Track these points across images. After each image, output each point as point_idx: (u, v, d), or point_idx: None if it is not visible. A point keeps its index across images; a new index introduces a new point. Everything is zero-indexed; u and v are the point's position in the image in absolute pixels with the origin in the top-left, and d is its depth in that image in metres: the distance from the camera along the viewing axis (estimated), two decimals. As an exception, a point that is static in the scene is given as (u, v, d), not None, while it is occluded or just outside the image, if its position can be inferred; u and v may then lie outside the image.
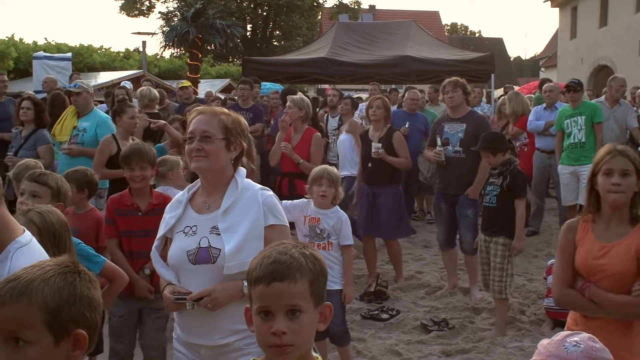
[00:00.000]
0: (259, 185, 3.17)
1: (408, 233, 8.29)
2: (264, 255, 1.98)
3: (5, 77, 9.62)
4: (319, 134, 7.49)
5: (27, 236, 2.30)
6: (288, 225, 3.16)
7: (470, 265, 7.29)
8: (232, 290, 2.94)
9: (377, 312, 6.76)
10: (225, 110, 3.16)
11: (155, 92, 9.65)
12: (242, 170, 3.16)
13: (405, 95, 10.81)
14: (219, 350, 3.00)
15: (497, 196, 6.11)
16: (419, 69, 14.64)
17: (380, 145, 7.37)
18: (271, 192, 3.14)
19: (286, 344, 1.89)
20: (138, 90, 9.99)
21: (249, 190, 3.08)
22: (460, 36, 68.83)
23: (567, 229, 3.49)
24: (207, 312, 2.94)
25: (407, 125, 9.39)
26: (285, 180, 7.21)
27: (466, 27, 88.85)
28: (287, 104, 7.36)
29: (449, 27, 76.43)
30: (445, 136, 7.19)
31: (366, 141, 7.62)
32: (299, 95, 7.57)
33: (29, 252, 2.21)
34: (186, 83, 12.69)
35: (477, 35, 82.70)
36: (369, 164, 7.54)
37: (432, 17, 48.66)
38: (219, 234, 2.98)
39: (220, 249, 2.95)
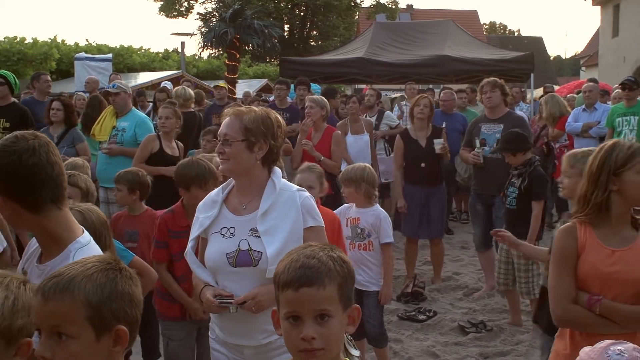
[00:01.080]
0: (296, 186, 3.17)
1: (445, 233, 8.26)
2: (291, 259, 1.96)
3: (49, 78, 9.79)
4: (339, 132, 7.57)
5: (86, 236, 2.38)
6: (324, 226, 3.16)
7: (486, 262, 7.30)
8: (274, 292, 2.94)
9: (414, 313, 6.73)
10: (254, 109, 3.12)
11: (190, 91, 9.73)
12: (278, 171, 3.16)
13: (441, 95, 10.76)
14: (261, 349, 3.02)
15: (517, 198, 6.08)
16: (457, 69, 14.51)
17: (442, 140, 7.37)
18: (308, 194, 3.14)
19: (316, 348, 1.88)
20: (173, 90, 10.09)
21: (286, 192, 3.07)
22: (498, 35, 68.14)
23: (564, 234, 3.04)
24: (248, 313, 2.95)
25: (443, 125, 9.32)
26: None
27: (505, 26, 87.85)
28: (308, 104, 7.42)
29: (487, 26, 75.64)
30: (482, 137, 7.14)
31: (410, 141, 7.56)
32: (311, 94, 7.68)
33: (89, 252, 2.27)
34: (222, 83, 12.77)
35: (516, 34, 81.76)
36: (422, 164, 7.46)
37: (470, 16, 48.18)
38: (259, 237, 2.97)
39: (261, 252, 2.95)
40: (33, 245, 2.52)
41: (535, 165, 6.08)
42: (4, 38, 20.66)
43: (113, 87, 7.95)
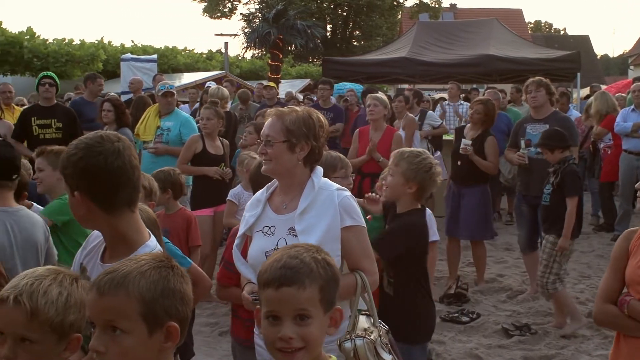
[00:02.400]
0: (337, 185, 3.15)
1: (492, 235, 8.12)
2: (275, 259, 1.99)
3: (102, 81, 9.97)
4: (399, 133, 7.50)
5: (153, 240, 2.43)
6: (365, 226, 3.14)
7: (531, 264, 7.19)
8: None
9: (457, 314, 6.68)
10: (296, 109, 3.14)
11: (225, 91, 9.80)
12: (319, 170, 3.16)
13: (485, 95, 10.64)
14: None
15: (551, 194, 6.12)
16: (501, 68, 14.37)
17: (470, 142, 7.30)
18: (348, 193, 3.12)
19: (294, 347, 1.91)
20: (210, 89, 10.18)
21: (325, 191, 3.07)
22: (544, 34, 67.26)
23: (622, 237, 3.01)
24: None
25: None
26: (367, 180, 7.19)
27: (550, 25, 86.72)
28: (371, 102, 7.37)
29: (532, 25, 74.68)
30: (528, 137, 7.04)
31: (458, 138, 7.56)
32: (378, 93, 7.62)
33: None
34: (272, 84, 12.85)
35: (561, 32, 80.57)
36: (458, 162, 7.44)
37: (514, 15, 47.60)
38: (296, 236, 2.99)
39: None
40: (92, 241, 2.58)
41: (569, 163, 6.06)
42: (53, 40, 21.08)
43: (170, 87, 8.07)
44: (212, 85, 12.50)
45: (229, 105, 9.84)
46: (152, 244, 2.40)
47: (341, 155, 4.38)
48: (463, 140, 7.35)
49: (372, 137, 7.28)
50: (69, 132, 7.99)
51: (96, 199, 2.30)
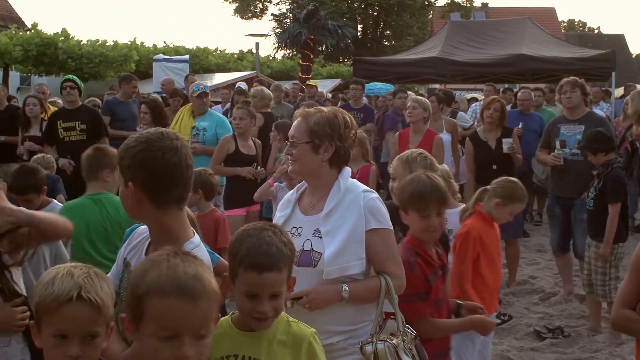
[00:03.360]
0: (364, 187, 3.13)
1: (520, 234, 8.02)
2: (252, 242, 2.26)
3: (137, 83, 10.09)
4: (440, 136, 7.42)
5: (197, 237, 2.47)
6: (392, 229, 3.11)
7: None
8: (331, 293, 2.95)
9: (487, 316, 6.62)
10: (323, 109, 3.13)
11: (268, 92, 9.83)
12: (347, 171, 3.14)
13: (519, 95, 10.53)
14: (324, 349, 3.02)
15: (594, 199, 6.05)
16: (534, 68, 14.21)
17: (511, 140, 7.24)
18: (375, 195, 3.10)
19: (268, 317, 2.25)
20: (251, 90, 10.22)
21: (352, 193, 3.05)
22: (577, 33, 66.37)
23: None
24: (310, 313, 2.95)
25: (520, 126, 9.14)
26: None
27: (584, 24, 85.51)
28: (410, 104, 7.32)
29: (565, 24, 73.75)
30: (562, 138, 6.95)
31: (479, 143, 7.45)
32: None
33: (201, 253, 2.35)
34: (313, 82, 12.85)
35: (596, 31, 79.40)
36: (494, 166, 7.25)
37: (547, 14, 47.04)
38: (321, 237, 2.99)
39: (321, 253, 2.97)
40: (137, 237, 2.62)
41: (613, 167, 5.95)
42: (87, 41, 21.34)
43: (205, 88, 8.14)
44: (243, 85, 12.56)
45: (271, 105, 9.84)
46: (196, 241, 2.44)
47: None
48: (504, 140, 7.28)
49: (412, 141, 7.18)
50: (93, 133, 8.10)
51: (148, 192, 2.35)
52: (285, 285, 2.31)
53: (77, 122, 8.14)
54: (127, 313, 1.89)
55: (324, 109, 3.15)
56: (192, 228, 2.52)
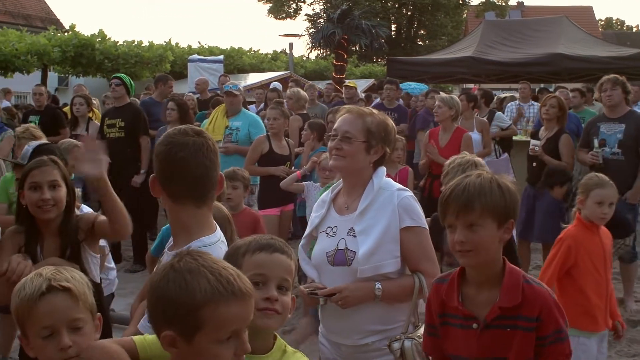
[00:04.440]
0: (398, 186, 3.12)
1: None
2: (253, 238, 2.18)
3: (172, 83, 10.17)
4: (469, 133, 7.37)
5: (213, 237, 2.45)
6: (427, 227, 3.09)
7: (626, 275, 6.91)
8: (364, 291, 2.94)
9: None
10: (375, 112, 3.12)
11: (304, 93, 9.85)
12: (382, 170, 3.13)
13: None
14: (358, 350, 3.04)
15: None
16: (570, 67, 14.02)
17: (539, 142, 7.14)
18: (409, 193, 3.08)
19: (276, 309, 2.08)
20: (288, 91, 10.23)
21: (386, 191, 3.04)
22: (615, 31, 65.34)
23: None
24: (345, 311, 2.97)
25: (557, 126, 9.03)
26: (437, 183, 7.10)
27: (622, 22, 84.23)
28: (436, 103, 7.30)
29: (603, 22, 72.77)
30: (602, 137, 6.84)
31: (535, 139, 7.40)
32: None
33: (212, 251, 2.27)
34: (352, 83, 12.83)
35: (634, 30, 78.13)
36: (534, 164, 7.25)
37: (584, 12, 46.44)
38: (356, 236, 2.98)
39: (355, 252, 2.96)
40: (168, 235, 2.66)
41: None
42: (123, 42, 21.61)
43: (234, 88, 8.17)
44: (277, 85, 12.59)
45: (306, 106, 9.85)
46: (208, 240, 2.41)
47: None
48: (531, 140, 7.19)
49: (441, 139, 7.18)
50: (132, 131, 8.17)
51: (162, 183, 2.42)
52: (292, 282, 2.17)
53: (118, 120, 8.25)
54: (174, 329, 1.76)
55: (374, 111, 3.15)
56: (215, 226, 2.51)
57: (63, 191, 3.14)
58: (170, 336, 1.75)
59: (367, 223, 2.98)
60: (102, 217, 3.30)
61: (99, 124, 8.90)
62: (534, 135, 7.51)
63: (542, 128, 7.44)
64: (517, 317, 2.35)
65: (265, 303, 2.05)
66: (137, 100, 11.73)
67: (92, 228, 3.26)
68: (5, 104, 14.13)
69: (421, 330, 2.89)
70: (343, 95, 12.07)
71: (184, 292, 1.72)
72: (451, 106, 7.18)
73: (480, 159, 4.26)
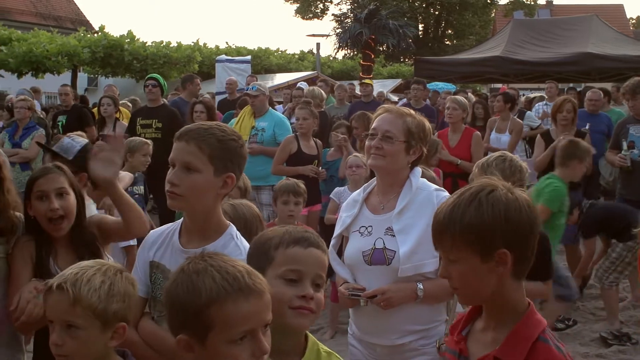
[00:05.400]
0: (435, 186, 3.14)
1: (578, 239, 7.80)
2: (286, 230, 2.06)
3: (199, 81, 10.23)
4: (478, 133, 7.46)
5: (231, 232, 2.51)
6: None
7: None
8: (406, 291, 2.95)
9: (552, 321, 6.49)
10: (413, 112, 3.14)
11: (321, 91, 9.85)
12: (418, 170, 3.15)
13: (587, 95, 10.25)
14: (395, 350, 3.03)
15: None
16: (600, 67, 13.89)
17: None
18: (447, 194, 3.08)
19: (312, 309, 1.98)
20: (305, 90, 10.25)
21: (423, 191, 3.06)
22: (647, 30, 64.37)
23: None
24: (382, 312, 2.96)
25: (587, 127, 8.91)
26: (448, 180, 7.09)
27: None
28: (449, 104, 7.33)
29: (634, 21, 71.67)
30: (631, 139, 6.77)
31: (548, 143, 7.32)
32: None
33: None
34: (368, 81, 12.84)
35: (666, 28, 76.93)
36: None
37: (615, 11, 45.80)
38: (394, 236, 2.98)
39: (395, 251, 2.96)
40: (155, 238, 2.62)
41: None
42: (152, 43, 21.82)
43: (253, 89, 8.18)
44: (304, 85, 12.61)
45: (324, 105, 9.87)
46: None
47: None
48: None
49: (451, 139, 7.25)
50: (169, 132, 8.19)
51: None
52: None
53: (154, 120, 8.29)
54: (187, 332, 1.75)
55: (412, 111, 3.17)
56: (228, 225, 2.55)
57: (72, 199, 3.00)
58: (184, 340, 1.74)
59: (406, 222, 2.99)
60: (109, 219, 3.27)
61: (126, 124, 8.97)
62: (546, 135, 7.40)
63: (554, 130, 7.35)
64: None
65: (300, 301, 1.96)
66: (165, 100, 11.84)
67: (101, 231, 3.16)
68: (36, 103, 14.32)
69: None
70: (360, 94, 12.04)
71: (190, 293, 1.72)
72: (464, 108, 7.30)
73: (516, 157, 4.16)
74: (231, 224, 2.53)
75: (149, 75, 8.90)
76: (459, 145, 7.16)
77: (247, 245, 2.38)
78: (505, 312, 1.93)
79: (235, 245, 2.43)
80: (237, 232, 2.52)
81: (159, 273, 2.54)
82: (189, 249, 2.42)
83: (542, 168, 7.34)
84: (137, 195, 6.31)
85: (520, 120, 9.52)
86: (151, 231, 2.69)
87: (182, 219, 2.57)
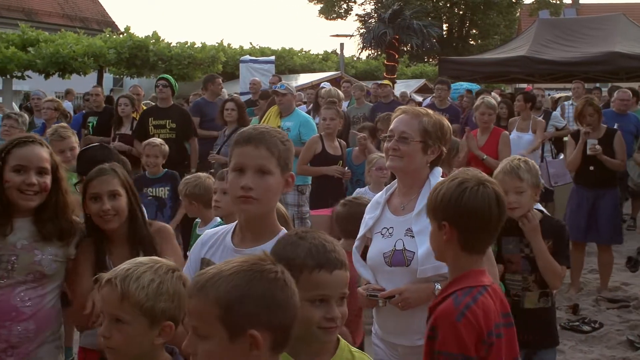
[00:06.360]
0: None
1: (621, 240, 7.72)
2: (311, 244, 2.09)
3: (221, 80, 10.28)
4: (506, 132, 7.54)
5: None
6: None
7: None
8: (424, 292, 2.95)
9: (577, 323, 6.42)
10: (430, 112, 3.14)
11: (335, 91, 9.85)
12: (438, 171, 3.14)
13: (614, 95, 10.13)
14: (416, 350, 3.00)
15: None
16: (628, 66, 13.70)
17: (596, 142, 7.02)
18: None
19: (338, 325, 2.06)
20: (323, 91, 10.24)
21: None
22: (675, 29, 63.47)
23: None
24: (403, 312, 2.97)
25: (615, 127, 8.82)
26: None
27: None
28: (485, 110, 7.33)
29: (662, 20, 70.80)
30: (660, 139, 6.68)
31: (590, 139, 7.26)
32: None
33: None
34: (386, 82, 12.82)
35: (695, 27, 75.80)
36: (591, 167, 7.13)
37: (643, 10, 45.27)
38: (413, 237, 2.98)
39: (414, 252, 2.97)
40: (209, 238, 2.65)
41: None
42: (176, 43, 21.96)
43: (282, 87, 8.19)
44: (327, 85, 12.62)
45: (344, 106, 9.87)
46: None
47: None
48: (589, 141, 7.04)
49: (480, 140, 7.29)
50: (183, 132, 8.27)
51: None
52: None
53: (167, 121, 8.33)
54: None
55: (430, 110, 3.17)
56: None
57: (123, 200, 3.08)
58: (255, 336, 1.75)
59: (425, 223, 2.93)
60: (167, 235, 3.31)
61: None
62: (575, 135, 7.34)
63: (583, 130, 7.27)
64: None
65: (328, 322, 2.04)
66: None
67: (160, 236, 3.25)
68: (67, 104, 14.47)
69: None
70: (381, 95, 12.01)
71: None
72: (496, 111, 7.46)
73: (528, 159, 4.14)
74: (282, 227, 2.52)
75: (159, 76, 8.96)
76: (486, 144, 7.21)
77: None
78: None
79: None
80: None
81: None
82: (242, 248, 2.45)
83: (575, 168, 7.30)
84: (150, 198, 6.23)
85: (542, 119, 9.44)
86: (206, 231, 2.73)
87: (236, 221, 2.58)
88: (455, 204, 2.34)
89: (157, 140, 6.61)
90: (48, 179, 3.00)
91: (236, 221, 2.58)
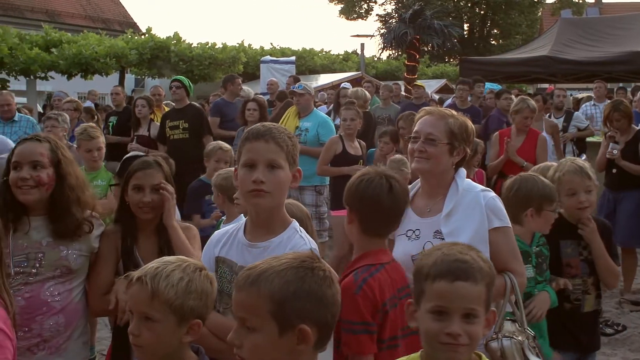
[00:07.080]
0: (480, 187, 3.11)
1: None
2: (443, 253, 2.02)
3: (240, 81, 10.32)
4: (544, 135, 7.26)
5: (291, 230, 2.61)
6: (511, 226, 3.07)
7: None
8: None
9: (600, 325, 6.34)
10: (454, 113, 3.12)
11: (366, 93, 9.82)
12: (462, 171, 3.12)
13: (638, 95, 10.04)
14: None
15: None
16: (651, 66, 13.55)
17: (617, 146, 6.94)
18: (493, 194, 3.07)
19: (461, 344, 1.92)
20: (349, 91, 10.23)
21: (470, 193, 3.03)
22: (700, 28, 62.69)
23: None
24: None
25: (638, 127, 8.72)
26: (501, 182, 6.98)
27: None
28: (527, 114, 7.15)
29: (687, 19, 69.96)
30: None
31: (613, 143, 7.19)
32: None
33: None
34: (420, 83, 12.79)
35: None
36: (613, 170, 7.08)
37: (667, 9, 44.77)
38: (443, 239, 2.95)
39: None
40: (221, 237, 2.72)
41: None
42: (197, 44, 22.02)
43: (299, 87, 8.19)
44: (347, 85, 12.61)
45: (368, 106, 9.85)
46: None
47: None
48: (611, 144, 6.97)
49: (515, 140, 7.05)
50: (196, 132, 8.29)
51: None
52: (483, 308, 1.97)
53: (180, 121, 8.37)
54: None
55: (454, 112, 3.16)
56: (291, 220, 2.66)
57: (164, 195, 3.19)
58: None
59: (455, 225, 2.97)
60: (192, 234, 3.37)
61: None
62: (614, 139, 7.26)
63: (610, 133, 7.19)
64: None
65: (447, 338, 1.93)
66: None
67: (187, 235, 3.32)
68: (88, 103, 14.58)
69: (510, 327, 2.97)
70: (412, 96, 11.98)
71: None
72: (533, 110, 7.12)
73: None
74: (293, 218, 2.62)
75: (173, 78, 8.99)
76: (523, 146, 6.99)
77: (308, 237, 2.60)
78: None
79: (299, 238, 2.56)
80: (299, 226, 2.62)
81: (225, 267, 2.64)
82: (255, 242, 2.54)
83: (601, 169, 7.22)
84: (213, 205, 5.96)
85: (553, 120, 9.37)
86: (215, 232, 2.79)
87: (245, 219, 2.67)
88: (354, 191, 2.80)
89: (226, 145, 6.48)
90: (44, 173, 3.02)
91: (246, 218, 2.66)
